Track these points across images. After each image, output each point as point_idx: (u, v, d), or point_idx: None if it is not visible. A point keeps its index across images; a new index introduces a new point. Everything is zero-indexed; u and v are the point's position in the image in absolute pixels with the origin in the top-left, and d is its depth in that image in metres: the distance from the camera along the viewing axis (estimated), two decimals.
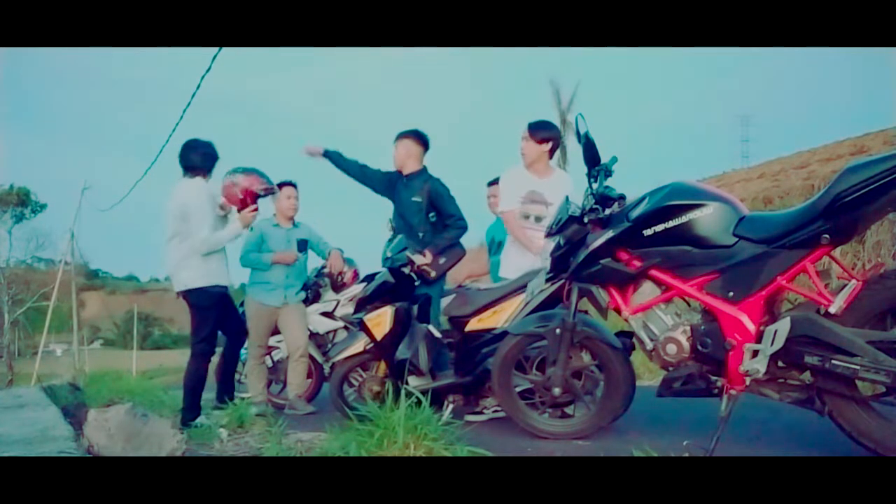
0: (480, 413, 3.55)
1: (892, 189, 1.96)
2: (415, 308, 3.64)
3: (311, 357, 4.78)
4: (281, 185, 4.50)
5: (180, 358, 15.83)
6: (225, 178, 3.89)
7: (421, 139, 4.09)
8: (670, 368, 2.44)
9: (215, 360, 4.11)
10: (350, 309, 4.48)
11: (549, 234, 2.87)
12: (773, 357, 2.17)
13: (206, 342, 3.84)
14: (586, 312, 3.00)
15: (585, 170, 2.64)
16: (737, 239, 2.29)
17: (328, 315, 5.00)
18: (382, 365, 3.70)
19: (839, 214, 2.06)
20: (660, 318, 2.48)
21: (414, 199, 3.94)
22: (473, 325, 3.42)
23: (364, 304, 3.67)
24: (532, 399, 2.94)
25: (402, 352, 3.49)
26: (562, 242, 2.74)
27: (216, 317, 3.87)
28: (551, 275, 2.97)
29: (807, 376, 2.21)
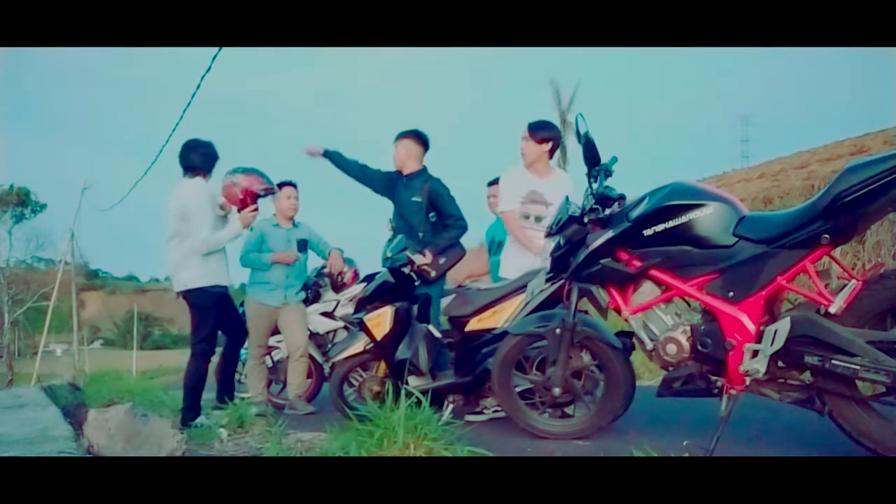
0: (480, 413, 3.55)
1: (892, 189, 1.96)
2: (415, 308, 3.64)
3: (311, 357, 4.78)
4: (281, 185, 4.50)
5: (180, 358, 15.81)
6: (225, 178, 3.89)
7: (421, 139, 4.09)
8: (670, 368, 2.44)
9: (215, 360, 4.11)
10: (350, 309, 4.47)
11: (549, 234, 2.87)
12: (773, 357, 2.17)
13: (206, 342, 3.84)
14: (586, 312, 3.00)
15: (585, 170, 2.64)
16: (737, 239, 2.29)
17: (328, 315, 5.00)
18: (382, 365, 3.69)
19: (839, 214, 2.06)
20: (660, 318, 2.48)
21: (414, 199, 3.94)
22: (473, 325, 3.42)
23: (364, 304, 3.67)
24: (532, 399, 2.93)
25: (402, 352, 3.49)
26: (562, 242, 2.74)
27: (216, 317, 3.87)
28: (551, 275, 2.97)
29: (807, 376, 2.21)
